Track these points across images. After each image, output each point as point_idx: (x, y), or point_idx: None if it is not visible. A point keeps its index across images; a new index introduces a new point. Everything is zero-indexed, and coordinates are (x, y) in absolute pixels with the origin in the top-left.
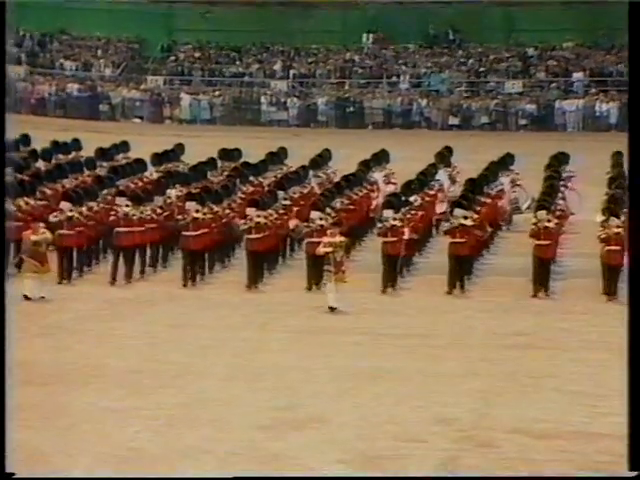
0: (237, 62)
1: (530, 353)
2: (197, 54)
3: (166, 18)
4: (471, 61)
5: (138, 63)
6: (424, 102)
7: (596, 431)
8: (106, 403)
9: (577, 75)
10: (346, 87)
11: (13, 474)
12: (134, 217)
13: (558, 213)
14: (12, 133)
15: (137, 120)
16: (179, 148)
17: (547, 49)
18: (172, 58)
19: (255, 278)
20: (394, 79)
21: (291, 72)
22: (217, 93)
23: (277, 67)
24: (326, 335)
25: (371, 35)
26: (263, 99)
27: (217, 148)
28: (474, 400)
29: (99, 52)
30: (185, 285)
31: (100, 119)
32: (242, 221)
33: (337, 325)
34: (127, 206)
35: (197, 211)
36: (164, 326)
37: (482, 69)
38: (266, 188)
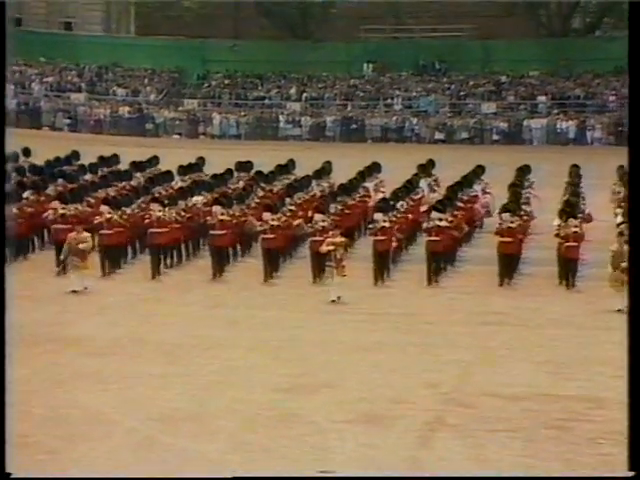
0: (259, 87)
1: (503, 329)
2: (226, 81)
3: (200, 51)
4: (453, 86)
5: (177, 89)
6: (414, 120)
7: (558, 394)
8: (152, 370)
9: (541, 98)
10: (349, 108)
11: (10, 474)
12: (165, 219)
13: (522, 215)
14: (74, 149)
15: (176, 136)
16: (201, 161)
17: (517, 77)
18: (205, 84)
19: (271, 271)
20: (389, 101)
21: (304, 95)
22: (242, 113)
23: (292, 91)
24: (333, 315)
25: (371, 65)
26: (281, 118)
27: (242, 159)
28: (456, 368)
29: (145, 81)
30: (214, 276)
31: (146, 136)
32: (259, 222)
33: (341, 308)
34: (160, 210)
35: (222, 214)
36: (198, 307)
37: (462, 93)
38: (275, 194)
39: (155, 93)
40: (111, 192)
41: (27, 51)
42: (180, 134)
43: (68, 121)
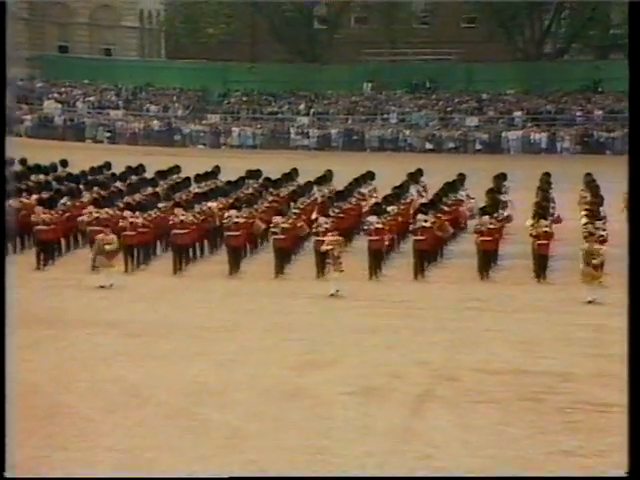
0: (273, 104)
1: (484, 314)
2: (244, 98)
3: (222, 73)
4: (441, 103)
5: (202, 105)
6: (408, 132)
7: (532, 369)
8: (179, 350)
9: (517, 113)
10: (351, 121)
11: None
12: (187, 221)
13: (499, 217)
14: (112, 160)
15: (201, 146)
16: (217, 169)
17: (496, 95)
18: (226, 101)
19: (281, 267)
20: (386, 116)
21: (311, 110)
22: (258, 126)
23: (301, 107)
24: (335, 303)
25: (370, 84)
26: (291, 130)
27: (255, 167)
28: (444, 347)
29: (174, 98)
30: (231, 271)
31: (174, 146)
32: (272, 224)
33: (342, 297)
34: (182, 214)
35: (237, 217)
36: (218, 296)
37: (449, 109)
38: (282, 199)
39: (182, 109)
40: (136, 198)
41: (73, 74)
42: (204, 144)
43: (108, 134)
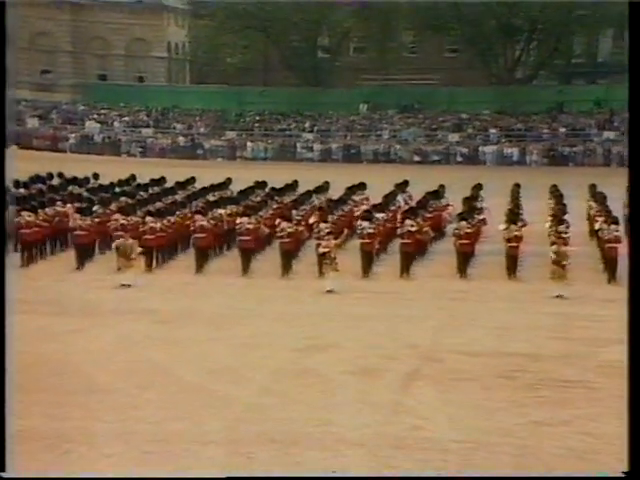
0: (282, 122)
1: (465, 303)
2: (257, 117)
3: (238, 96)
4: (427, 121)
5: (220, 124)
6: (398, 147)
7: (505, 351)
8: (202, 334)
9: (492, 131)
10: (349, 137)
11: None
12: (205, 226)
13: (475, 222)
14: (144, 171)
15: (220, 159)
16: (228, 180)
17: (474, 114)
18: (241, 120)
19: (287, 267)
20: (379, 132)
21: (315, 128)
22: (269, 141)
23: (306, 125)
24: (334, 295)
25: (365, 105)
26: (298, 145)
27: (268, 176)
28: (429, 333)
29: (197, 118)
30: (244, 270)
31: (197, 159)
32: (278, 229)
33: (340, 291)
34: (202, 220)
35: (249, 223)
36: (234, 289)
37: (434, 126)
38: (285, 206)
39: (204, 127)
40: (157, 206)
41: (110, 99)
42: (222, 157)
43: (140, 149)
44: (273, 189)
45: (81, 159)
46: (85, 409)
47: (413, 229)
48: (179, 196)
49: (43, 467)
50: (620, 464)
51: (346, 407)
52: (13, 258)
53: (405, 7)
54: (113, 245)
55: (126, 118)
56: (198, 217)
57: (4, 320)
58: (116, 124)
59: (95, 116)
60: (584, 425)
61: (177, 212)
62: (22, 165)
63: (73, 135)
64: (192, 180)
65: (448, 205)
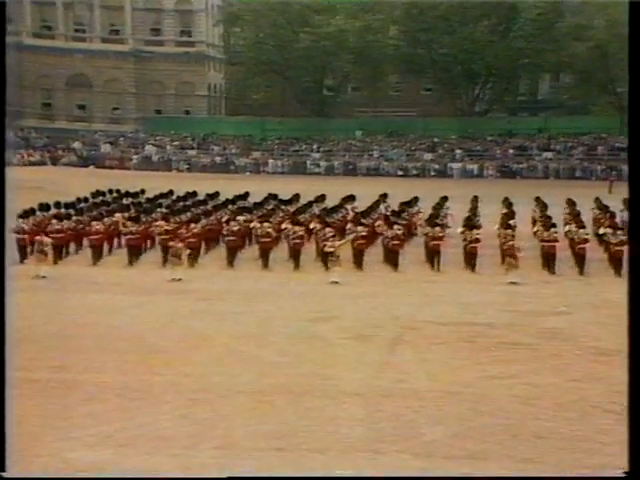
0: (295, 145)
1: (435, 286)
2: (276, 141)
3: (261, 124)
4: (408, 144)
5: (248, 146)
6: (386, 163)
7: (468, 321)
8: (234, 309)
9: (458, 151)
10: (347, 157)
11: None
12: (235, 230)
13: (441, 226)
14: (193, 187)
15: (247, 173)
16: (246, 194)
17: (444, 139)
18: (264, 143)
19: (298, 264)
20: (371, 153)
21: (321, 149)
22: (286, 159)
23: (314, 147)
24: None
25: (360, 131)
26: (307, 162)
27: (284, 187)
28: (409, 307)
29: (230, 141)
30: (264, 265)
31: (230, 173)
32: (290, 232)
33: (340, 278)
34: (234, 226)
35: (268, 227)
36: (257, 277)
37: (413, 148)
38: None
39: (235, 148)
40: (188, 214)
41: (164, 128)
42: (250, 172)
43: (186, 166)
44: (281, 200)
45: (142, 175)
46: (145, 366)
47: (400, 232)
48: (209, 206)
49: (114, 411)
50: (558, 407)
51: (345, 365)
52: (82, 256)
53: (391, 56)
54: (171, 248)
55: (176, 142)
56: (232, 223)
57: (4, 320)
58: (168, 147)
59: (152, 141)
60: (528, 377)
61: (206, 219)
62: (97, 181)
63: (136, 156)
64: (216, 194)
65: (419, 212)
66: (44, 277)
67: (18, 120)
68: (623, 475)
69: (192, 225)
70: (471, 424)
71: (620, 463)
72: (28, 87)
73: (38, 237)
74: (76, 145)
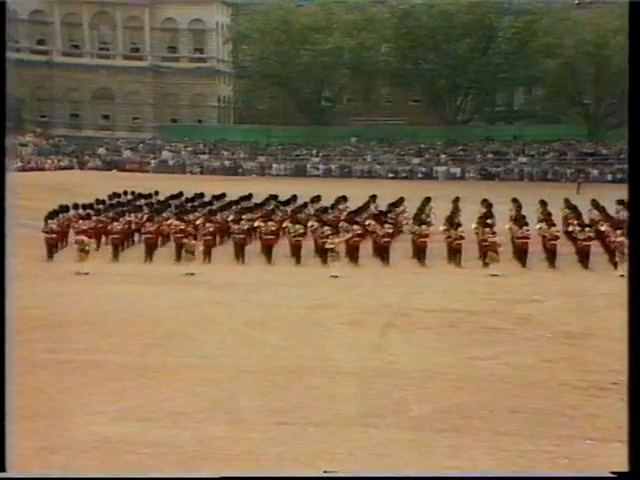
0: (297, 150)
1: (421, 276)
2: (280, 147)
3: (266, 132)
4: (398, 149)
5: (255, 151)
6: (378, 167)
7: (449, 308)
8: (245, 297)
9: (443, 156)
10: (344, 160)
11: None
12: (243, 229)
13: (424, 223)
14: (205, 188)
15: (254, 175)
16: (250, 195)
17: (430, 145)
18: (269, 149)
19: (299, 257)
20: (365, 157)
21: (320, 154)
22: (288, 163)
23: (314, 152)
24: (334, 274)
25: (355, 138)
26: (308, 165)
27: (286, 188)
28: (400, 296)
29: (238, 147)
30: (269, 260)
31: (238, 175)
32: (291, 230)
33: (339, 273)
34: (245, 225)
35: (272, 225)
36: (262, 270)
37: (402, 153)
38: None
39: (243, 153)
40: (197, 214)
41: (179, 135)
42: (256, 174)
43: (199, 169)
44: (280, 201)
45: (159, 177)
46: (163, 348)
47: (390, 230)
48: (215, 206)
49: (134, 389)
50: (532, 385)
51: (341, 347)
52: (104, 252)
53: (382, 71)
54: (185, 245)
55: (189, 148)
56: (242, 222)
57: (4, 321)
58: (183, 152)
59: (168, 147)
60: (505, 358)
61: (218, 218)
62: (119, 182)
63: (154, 161)
64: (223, 195)
65: (404, 211)
66: (87, 273)
67: (50, 129)
68: (615, 476)
69: (208, 224)
70: (454, 401)
71: (587, 435)
72: (58, 100)
73: (79, 237)
74: (101, 151)
